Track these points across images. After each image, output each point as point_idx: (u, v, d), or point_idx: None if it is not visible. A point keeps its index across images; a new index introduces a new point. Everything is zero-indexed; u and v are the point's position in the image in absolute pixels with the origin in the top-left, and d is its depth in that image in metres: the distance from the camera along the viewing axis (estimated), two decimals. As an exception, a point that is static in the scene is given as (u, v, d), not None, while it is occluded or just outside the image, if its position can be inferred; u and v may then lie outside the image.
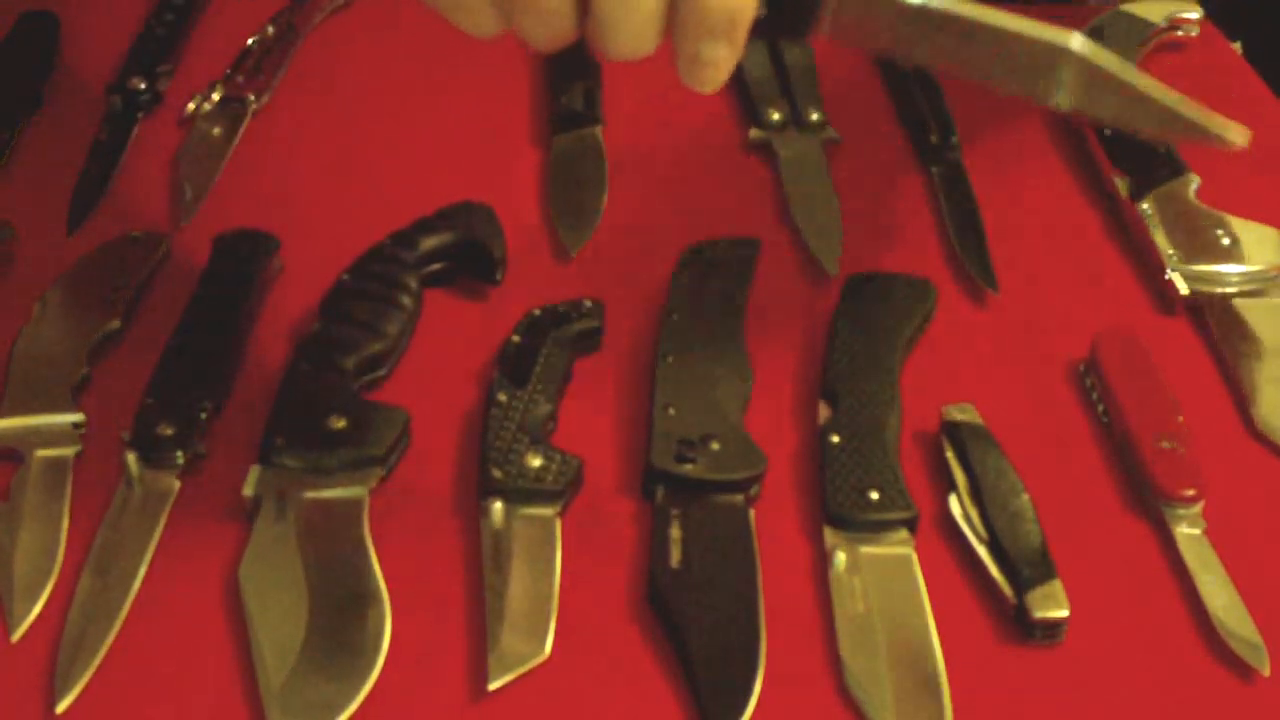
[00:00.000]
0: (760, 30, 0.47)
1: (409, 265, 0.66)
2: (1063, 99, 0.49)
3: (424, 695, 0.51)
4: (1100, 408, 0.62)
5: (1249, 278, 0.68)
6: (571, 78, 0.79)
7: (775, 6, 0.47)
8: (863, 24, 0.48)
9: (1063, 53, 0.47)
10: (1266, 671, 0.52)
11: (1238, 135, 0.51)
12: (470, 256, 0.68)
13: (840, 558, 0.55)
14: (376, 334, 0.63)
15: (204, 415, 0.59)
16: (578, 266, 0.70)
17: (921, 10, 0.47)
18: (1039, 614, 0.52)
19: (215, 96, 0.79)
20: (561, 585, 0.54)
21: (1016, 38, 0.47)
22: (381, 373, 0.63)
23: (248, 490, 0.56)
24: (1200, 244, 0.69)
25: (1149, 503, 0.58)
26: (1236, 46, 0.88)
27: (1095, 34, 0.82)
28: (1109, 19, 0.83)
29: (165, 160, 0.76)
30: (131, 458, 0.57)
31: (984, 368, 0.64)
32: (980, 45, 0.47)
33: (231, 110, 0.79)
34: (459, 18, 0.47)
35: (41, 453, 0.58)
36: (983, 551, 0.55)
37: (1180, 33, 0.86)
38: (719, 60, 0.46)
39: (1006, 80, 0.49)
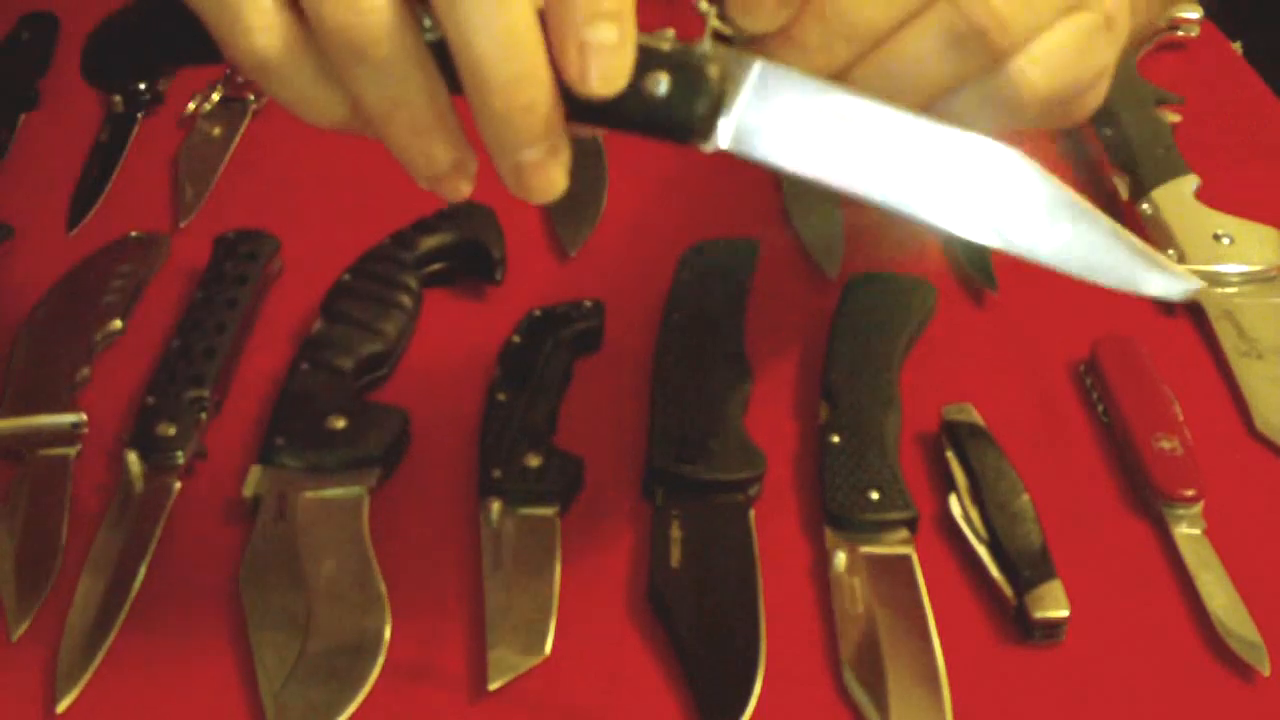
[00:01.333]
0: (647, 128, 0.40)
1: (409, 265, 0.66)
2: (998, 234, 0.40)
3: (424, 695, 0.51)
4: (1100, 408, 0.62)
5: (1249, 278, 0.68)
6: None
7: (672, 101, 0.39)
8: (775, 132, 0.40)
9: (1005, 163, 0.39)
10: (1266, 671, 0.52)
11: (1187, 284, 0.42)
12: (470, 256, 0.68)
13: (840, 558, 0.55)
14: (376, 334, 0.63)
15: (204, 415, 0.59)
16: (578, 266, 0.70)
17: (849, 107, 0.39)
18: (1039, 614, 0.52)
19: (215, 96, 0.79)
20: (561, 585, 0.54)
21: (954, 142, 0.39)
22: (381, 373, 0.63)
23: (248, 490, 0.56)
24: (1200, 244, 0.69)
25: (1149, 503, 0.58)
26: (1236, 46, 0.88)
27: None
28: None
29: (165, 160, 0.76)
30: (132, 458, 0.57)
31: (984, 368, 0.64)
32: (908, 156, 0.39)
33: (231, 110, 0.79)
34: (300, 109, 0.40)
35: (41, 453, 0.59)
36: (983, 551, 0.55)
37: (1180, 33, 0.86)
38: (536, 165, 0.39)
39: (930, 204, 0.40)
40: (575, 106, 0.39)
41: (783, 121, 0.40)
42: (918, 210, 0.40)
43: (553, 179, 0.40)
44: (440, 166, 0.40)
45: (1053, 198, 0.40)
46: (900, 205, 0.41)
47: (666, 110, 0.39)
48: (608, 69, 0.38)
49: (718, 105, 0.39)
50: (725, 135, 0.40)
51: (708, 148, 0.40)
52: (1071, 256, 0.41)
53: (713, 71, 0.39)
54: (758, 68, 0.40)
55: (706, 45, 0.39)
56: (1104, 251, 0.41)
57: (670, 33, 0.39)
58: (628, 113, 0.39)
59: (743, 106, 0.40)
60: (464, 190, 0.41)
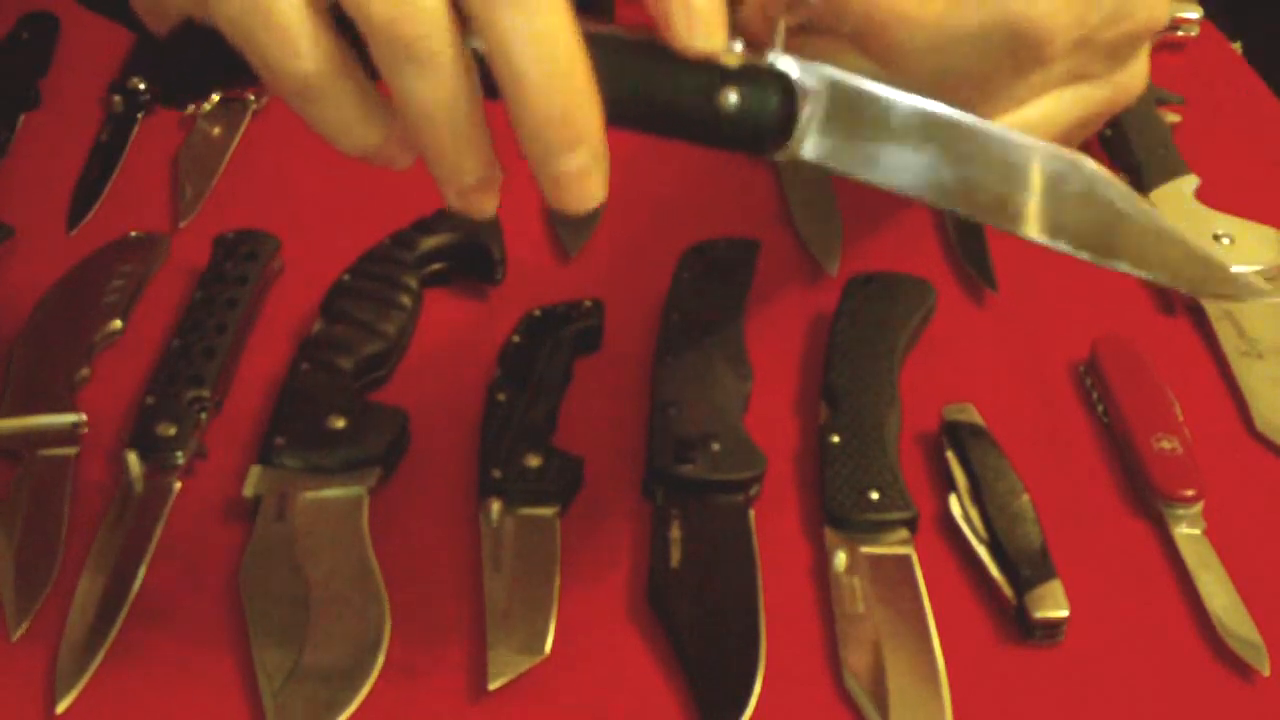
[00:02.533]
0: (720, 142, 0.41)
1: (409, 265, 0.66)
2: (1059, 232, 0.42)
3: (424, 695, 0.51)
4: (1100, 408, 0.62)
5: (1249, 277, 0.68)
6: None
7: (743, 115, 0.40)
8: (847, 140, 0.40)
9: (1074, 171, 0.41)
10: (1266, 671, 0.52)
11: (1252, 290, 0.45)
12: (470, 256, 0.68)
13: (840, 558, 0.55)
14: (376, 334, 0.63)
15: (204, 415, 0.59)
16: (578, 266, 0.70)
17: (920, 116, 0.40)
18: (1039, 614, 0.52)
19: (215, 96, 0.79)
20: (561, 585, 0.54)
21: (1024, 152, 0.41)
22: (381, 373, 0.63)
23: (248, 490, 0.56)
24: (1200, 244, 0.69)
25: (1149, 503, 0.58)
26: (1236, 46, 0.88)
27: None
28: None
29: (165, 160, 0.76)
30: (132, 458, 0.57)
31: (984, 368, 0.64)
32: (979, 164, 0.41)
33: (231, 110, 0.79)
34: (338, 133, 0.40)
35: (41, 453, 0.59)
36: (983, 551, 0.55)
37: (1180, 33, 0.86)
38: (579, 173, 0.38)
39: (1001, 210, 0.42)
40: (648, 119, 0.39)
41: (854, 130, 0.40)
42: (989, 216, 0.41)
43: (592, 189, 0.39)
44: (470, 178, 0.40)
45: (1122, 202, 0.41)
46: (972, 211, 0.41)
47: (739, 124, 0.40)
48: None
49: (790, 117, 0.40)
50: (798, 145, 0.41)
51: (781, 157, 0.41)
52: (1140, 260, 0.42)
53: (782, 83, 0.39)
54: (828, 76, 0.40)
55: (776, 55, 0.40)
56: (1170, 253, 0.43)
57: (738, 46, 0.39)
58: (701, 127, 0.40)
59: (814, 115, 0.40)
60: (490, 206, 0.41)
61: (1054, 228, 0.41)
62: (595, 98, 0.38)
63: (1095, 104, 0.47)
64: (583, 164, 0.38)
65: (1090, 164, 0.41)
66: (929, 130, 0.40)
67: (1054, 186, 0.41)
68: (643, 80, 0.39)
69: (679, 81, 0.39)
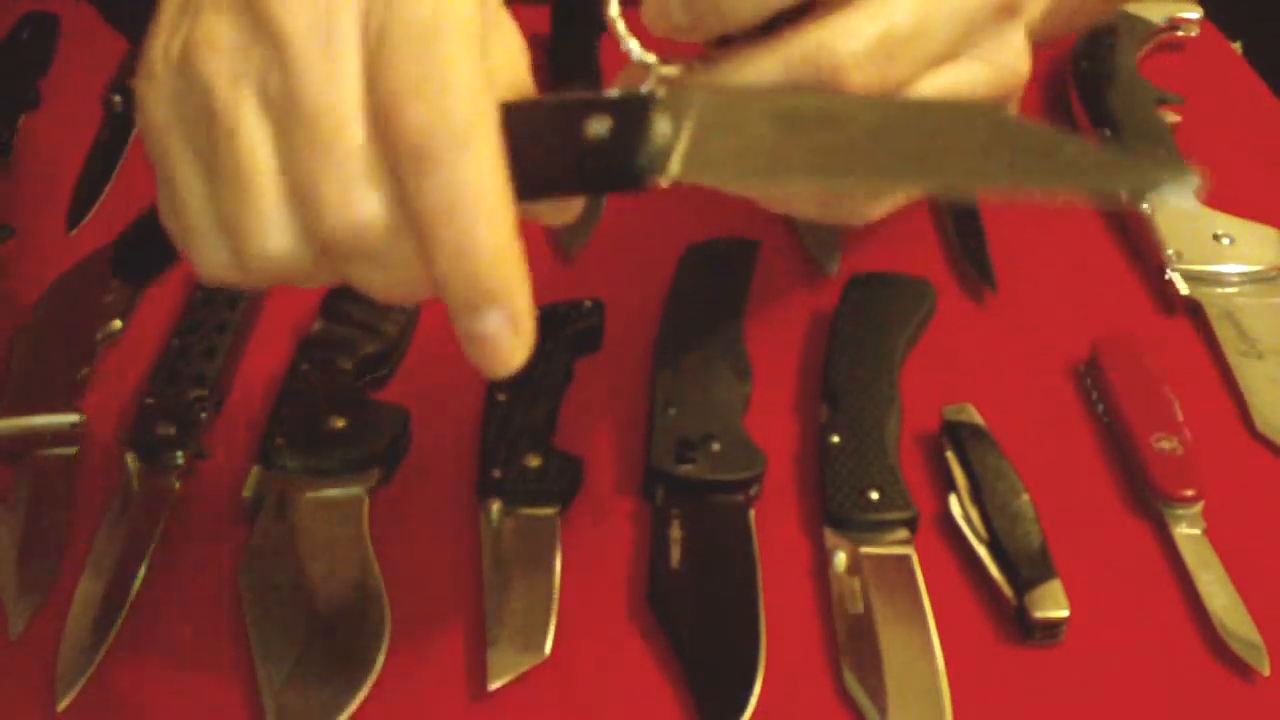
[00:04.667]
0: (591, 185, 0.39)
1: (409, 265, 0.66)
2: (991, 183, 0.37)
3: (424, 695, 0.51)
4: (1100, 408, 0.62)
5: (1249, 278, 0.68)
6: (571, 79, 0.79)
7: (603, 156, 0.37)
8: (722, 158, 0.37)
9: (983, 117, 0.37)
10: (1266, 671, 0.52)
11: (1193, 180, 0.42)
12: (470, 256, 0.68)
13: (840, 558, 0.55)
14: (376, 334, 0.63)
15: (204, 415, 0.59)
16: (578, 267, 0.70)
17: (792, 115, 0.37)
18: (1039, 614, 0.52)
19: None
20: (561, 585, 0.54)
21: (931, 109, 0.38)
22: (382, 372, 0.63)
23: (248, 491, 0.56)
24: (1200, 244, 0.69)
25: (1149, 503, 0.58)
26: (1236, 46, 0.88)
27: (1098, 34, 0.82)
28: (1109, 19, 0.83)
29: (165, 160, 0.76)
30: (131, 458, 0.57)
31: (984, 368, 0.64)
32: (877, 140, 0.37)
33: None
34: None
35: (41, 453, 0.59)
36: (983, 551, 0.55)
37: (1180, 33, 0.86)
38: (492, 337, 0.36)
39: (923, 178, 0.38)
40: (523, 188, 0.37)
41: (729, 147, 0.37)
42: (894, 184, 0.39)
43: (505, 355, 0.37)
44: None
45: (1024, 135, 0.37)
46: (867, 184, 0.39)
47: (609, 155, 0.37)
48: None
49: (665, 143, 0.37)
50: (673, 167, 0.37)
51: (660, 183, 0.38)
52: (1065, 183, 0.37)
53: (651, 106, 0.37)
54: (702, 99, 0.37)
55: (652, 87, 0.38)
56: (1096, 171, 0.36)
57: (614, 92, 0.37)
58: (567, 167, 0.38)
59: (690, 140, 0.37)
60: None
61: (958, 176, 0.37)
62: (517, 256, 0.35)
63: (979, 88, 0.41)
64: (495, 327, 0.36)
65: (983, 107, 0.39)
66: (810, 120, 0.37)
67: (949, 134, 0.36)
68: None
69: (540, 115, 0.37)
